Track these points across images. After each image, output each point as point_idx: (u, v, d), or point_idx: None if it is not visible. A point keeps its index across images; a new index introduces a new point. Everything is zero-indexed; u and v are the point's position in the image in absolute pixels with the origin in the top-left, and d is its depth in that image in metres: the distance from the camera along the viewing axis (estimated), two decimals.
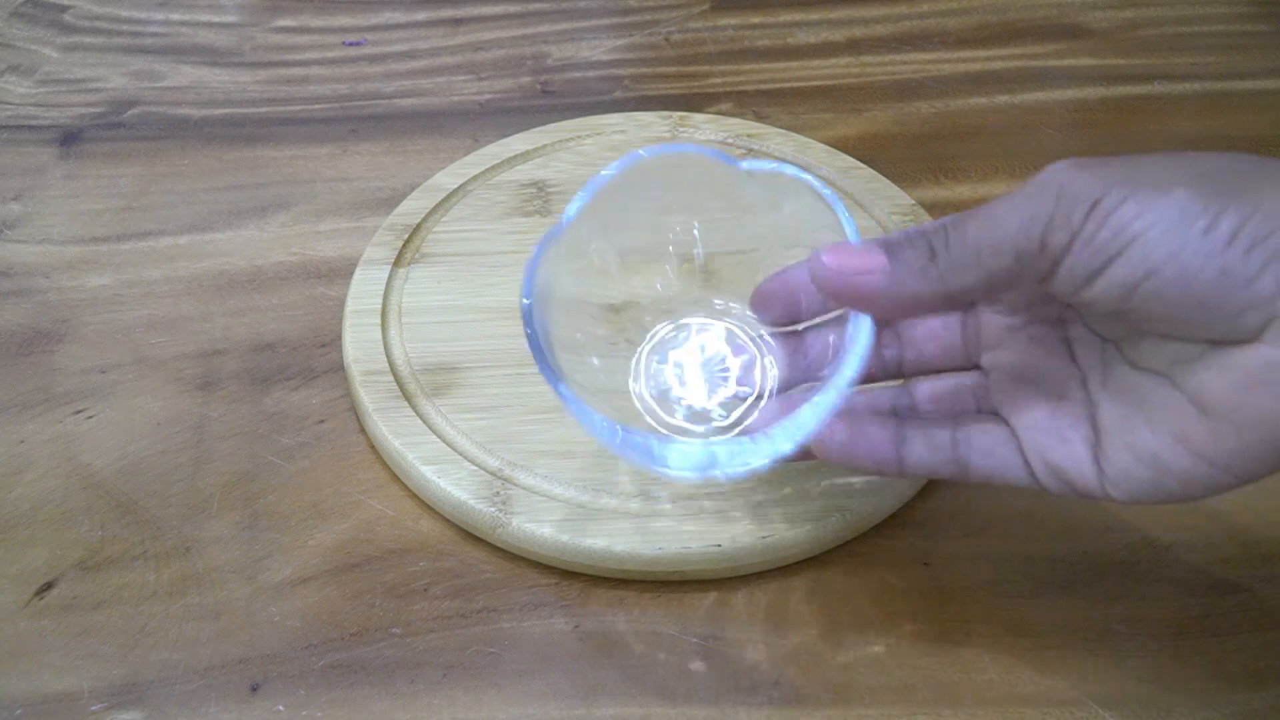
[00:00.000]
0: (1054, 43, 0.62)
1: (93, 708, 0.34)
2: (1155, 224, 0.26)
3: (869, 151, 0.52)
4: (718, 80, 0.59)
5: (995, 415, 0.32)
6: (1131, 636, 0.35)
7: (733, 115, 0.55)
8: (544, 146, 0.52)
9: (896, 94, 0.58)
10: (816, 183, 0.34)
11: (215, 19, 0.64)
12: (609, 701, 0.34)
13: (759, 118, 0.56)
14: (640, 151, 0.35)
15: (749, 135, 0.52)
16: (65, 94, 0.58)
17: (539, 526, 0.36)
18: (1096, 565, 0.37)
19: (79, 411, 0.42)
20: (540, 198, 0.49)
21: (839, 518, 0.37)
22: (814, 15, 0.64)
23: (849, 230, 0.33)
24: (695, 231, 0.39)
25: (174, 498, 0.39)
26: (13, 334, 0.45)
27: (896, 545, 0.38)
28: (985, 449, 0.32)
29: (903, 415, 0.34)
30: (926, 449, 0.32)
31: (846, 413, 0.32)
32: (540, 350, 0.32)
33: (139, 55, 0.61)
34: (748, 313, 0.38)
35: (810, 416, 0.31)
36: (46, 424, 0.42)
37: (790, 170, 0.34)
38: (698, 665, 0.35)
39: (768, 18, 0.64)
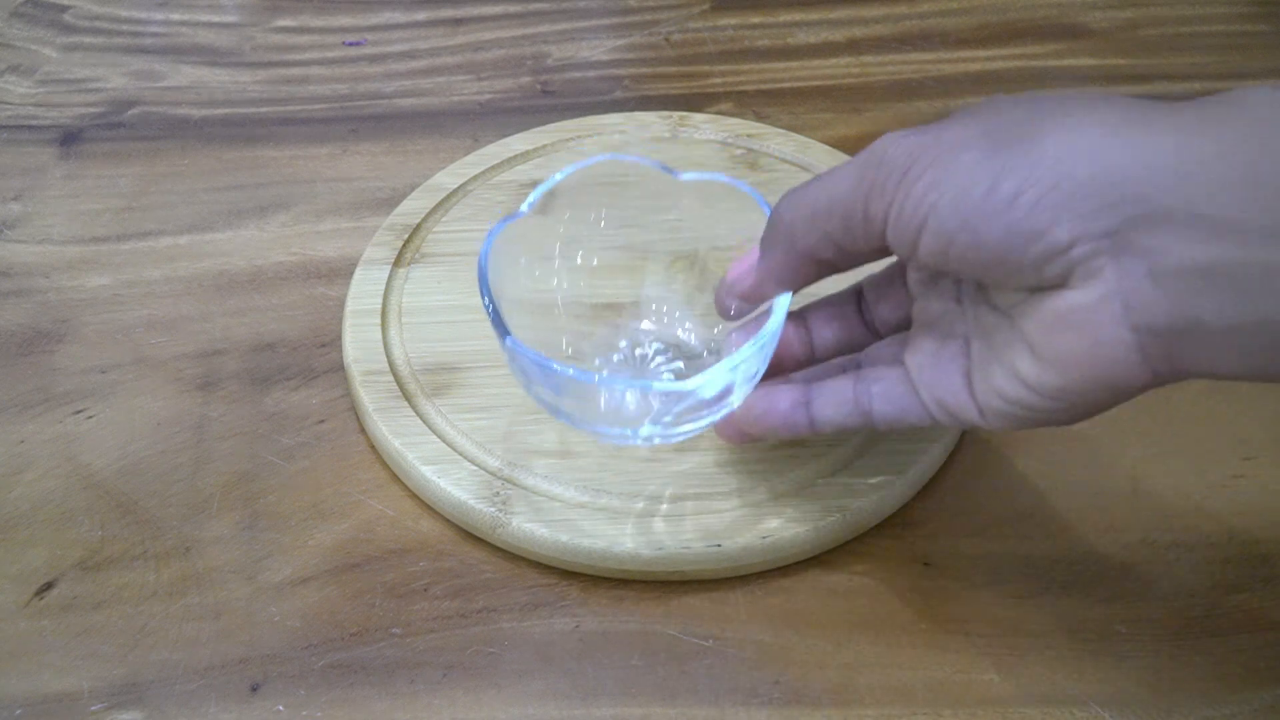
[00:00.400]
0: (1054, 43, 0.62)
1: (93, 708, 0.34)
2: (944, 194, 0.28)
3: None
4: (718, 80, 0.59)
5: (898, 363, 0.34)
6: (1131, 636, 0.35)
7: (733, 115, 0.55)
8: (544, 146, 0.51)
9: (896, 94, 0.58)
10: (748, 189, 0.36)
11: (215, 19, 0.64)
12: (609, 701, 0.34)
13: (759, 118, 0.56)
14: (589, 159, 0.38)
15: (749, 135, 0.52)
16: (65, 94, 0.58)
17: (539, 526, 0.36)
18: (1096, 565, 0.37)
19: (79, 411, 0.42)
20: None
21: (839, 518, 0.37)
22: (814, 15, 0.64)
23: None
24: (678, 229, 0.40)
25: (174, 498, 0.39)
26: (13, 334, 0.45)
27: (896, 545, 0.38)
28: (883, 393, 0.33)
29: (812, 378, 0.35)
30: (831, 404, 0.34)
31: (757, 389, 0.34)
32: (495, 312, 0.34)
33: (139, 55, 0.61)
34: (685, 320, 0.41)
35: (739, 358, 0.32)
36: (46, 424, 0.42)
37: (722, 178, 0.37)
38: (698, 665, 0.35)
39: (768, 18, 0.64)
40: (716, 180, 0.37)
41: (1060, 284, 0.27)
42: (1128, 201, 0.26)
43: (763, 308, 0.35)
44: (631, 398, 0.33)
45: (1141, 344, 0.27)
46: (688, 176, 0.38)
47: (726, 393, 0.33)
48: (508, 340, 0.33)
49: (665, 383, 0.33)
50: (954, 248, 0.28)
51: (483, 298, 0.34)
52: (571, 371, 0.32)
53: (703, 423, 0.34)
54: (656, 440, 0.35)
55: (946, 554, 0.38)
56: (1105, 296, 0.26)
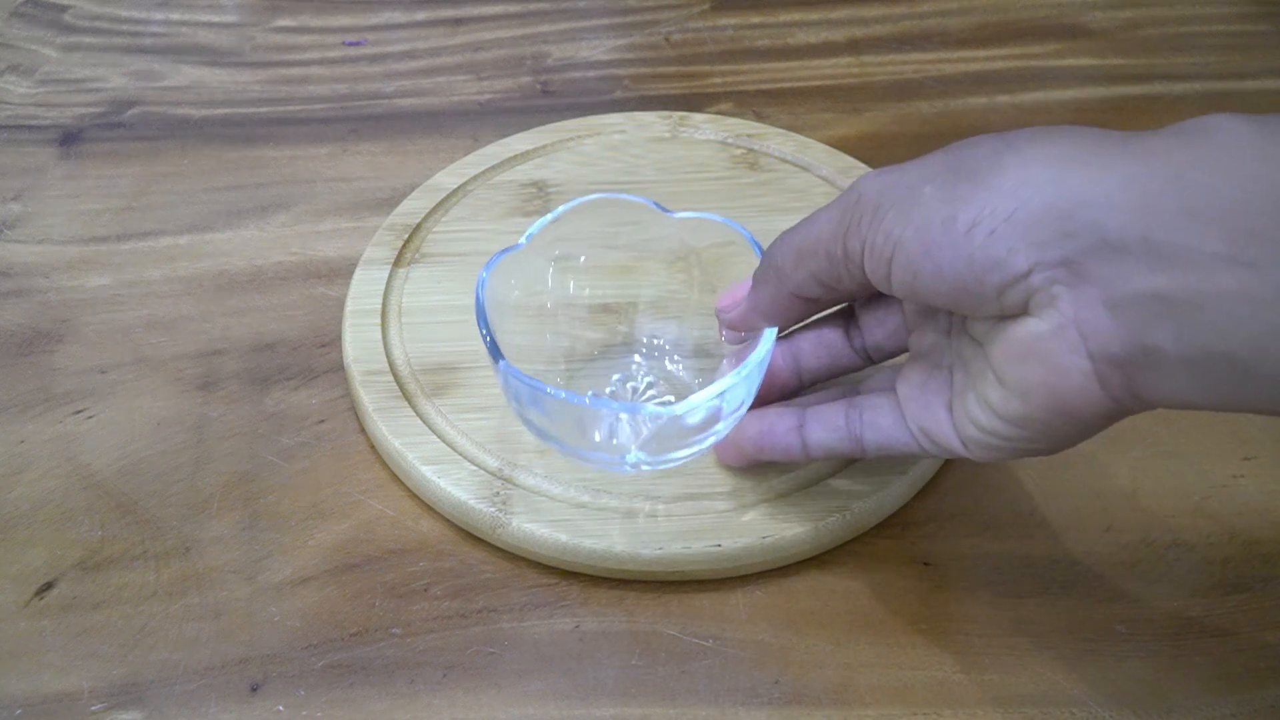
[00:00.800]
0: (1054, 43, 0.62)
1: (93, 708, 0.34)
2: (907, 227, 0.28)
3: (869, 151, 0.52)
4: (718, 80, 0.59)
5: (891, 391, 0.34)
6: (1131, 636, 0.35)
7: (733, 115, 0.55)
8: (544, 146, 0.51)
9: (896, 94, 0.58)
10: (739, 228, 0.37)
11: (215, 19, 0.64)
12: (609, 701, 0.34)
13: (759, 118, 0.56)
14: (584, 197, 0.38)
15: (749, 135, 0.52)
16: (65, 94, 0.58)
17: (539, 526, 0.36)
18: (1096, 565, 0.37)
19: (79, 411, 0.42)
20: (540, 198, 0.49)
21: (839, 518, 0.37)
22: (814, 15, 0.64)
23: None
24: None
25: (174, 498, 0.39)
26: (13, 334, 0.45)
27: (896, 545, 0.38)
28: (873, 421, 0.34)
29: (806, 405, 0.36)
30: (823, 428, 0.34)
31: (755, 410, 0.35)
32: (491, 340, 0.34)
33: (139, 55, 0.61)
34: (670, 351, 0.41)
35: (723, 385, 0.33)
36: (46, 424, 0.42)
37: (715, 217, 0.38)
38: (698, 665, 0.35)
39: (768, 18, 0.64)
40: (710, 220, 0.38)
41: (1021, 312, 0.28)
42: (1083, 230, 0.26)
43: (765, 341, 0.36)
44: (619, 422, 0.34)
45: (1099, 372, 0.27)
46: (681, 215, 0.38)
47: (713, 420, 0.34)
48: (501, 364, 0.33)
49: (651, 407, 0.33)
50: (920, 279, 0.29)
51: (480, 328, 0.34)
52: (563, 395, 0.32)
53: (689, 450, 0.35)
54: (644, 468, 0.35)
55: (946, 554, 0.38)
56: (1062, 325, 0.27)
